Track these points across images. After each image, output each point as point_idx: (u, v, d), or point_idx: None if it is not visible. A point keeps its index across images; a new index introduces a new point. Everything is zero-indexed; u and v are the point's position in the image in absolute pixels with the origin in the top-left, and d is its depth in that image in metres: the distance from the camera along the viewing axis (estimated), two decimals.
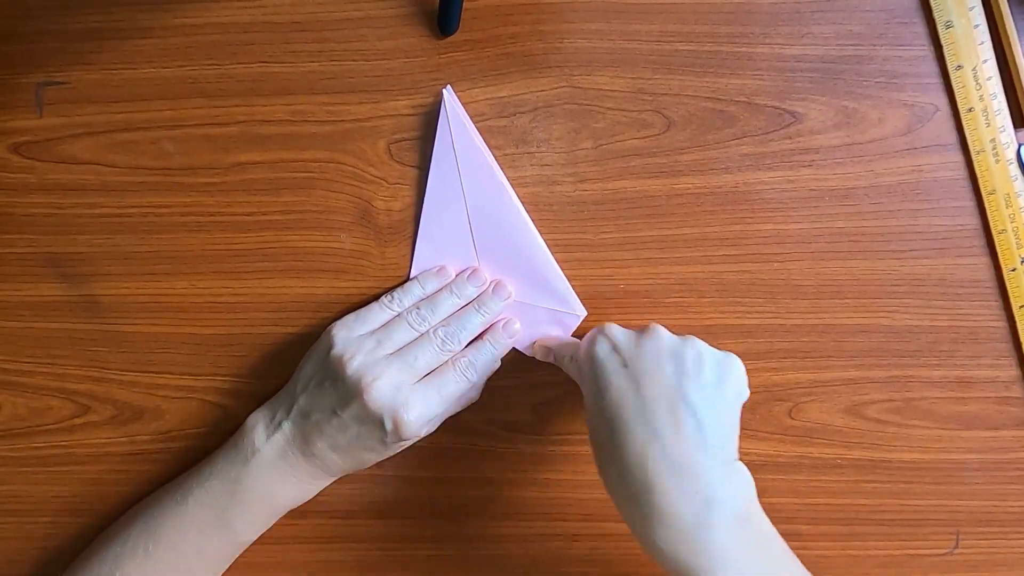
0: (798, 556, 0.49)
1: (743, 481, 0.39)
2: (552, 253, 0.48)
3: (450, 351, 0.45)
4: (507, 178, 0.47)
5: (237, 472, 0.44)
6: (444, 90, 0.46)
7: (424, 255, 0.47)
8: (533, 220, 0.48)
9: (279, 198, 0.48)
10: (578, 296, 0.48)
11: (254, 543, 0.46)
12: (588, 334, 0.44)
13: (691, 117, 0.47)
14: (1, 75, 0.48)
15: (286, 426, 0.44)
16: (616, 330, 0.43)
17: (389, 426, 0.43)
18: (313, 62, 0.47)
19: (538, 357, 0.47)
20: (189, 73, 0.47)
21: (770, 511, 0.48)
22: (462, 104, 0.47)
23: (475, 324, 0.46)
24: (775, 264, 0.48)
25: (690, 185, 0.48)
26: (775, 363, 0.48)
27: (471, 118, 0.47)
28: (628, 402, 0.39)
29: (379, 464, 0.48)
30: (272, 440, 0.44)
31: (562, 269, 0.48)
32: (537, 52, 0.47)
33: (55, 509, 0.50)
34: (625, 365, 0.40)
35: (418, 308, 0.46)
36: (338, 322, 0.45)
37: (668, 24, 0.47)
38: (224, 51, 0.47)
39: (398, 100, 0.47)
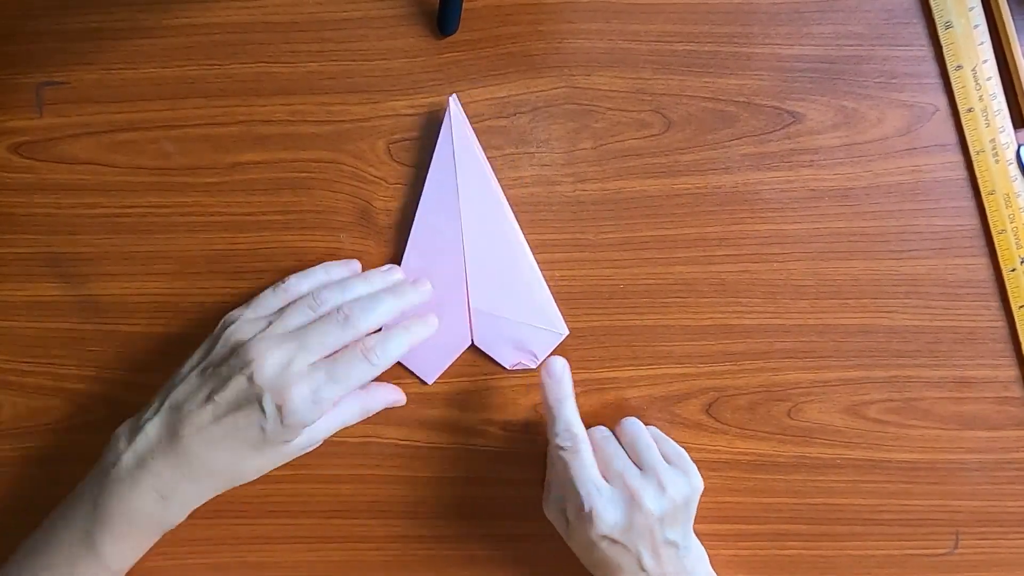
0: (798, 556, 0.49)
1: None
2: (552, 253, 0.48)
3: (354, 331, 0.40)
4: (506, 178, 0.47)
5: (98, 488, 0.40)
6: (450, 98, 0.46)
7: (413, 261, 0.47)
8: (533, 220, 0.48)
9: (279, 198, 0.48)
10: (577, 296, 0.48)
11: (251, 543, 0.46)
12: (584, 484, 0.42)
13: (691, 117, 0.47)
14: (1, 75, 0.48)
15: (150, 427, 0.40)
16: (605, 514, 0.42)
17: (270, 408, 0.38)
18: (313, 62, 0.47)
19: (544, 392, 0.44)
20: (189, 73, 0.47)
21: (770, 511, 0.49)
22: (462, 105, 0.47)
23: (387, 307, 0.42)
24: (775, 264, 0.48)
25: (690, 185, 0.48)
26: (775, 363, 0.48)
27: (470, 118, 0.47)
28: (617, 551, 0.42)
29: (379, 464, 0.48)
30: (134, 446, 0.39)
31: (562, 269, 0.48)
32: (537, 52, 0.47)
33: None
34: (614, 541, 0.42)
35: (320, 292, 0.42)
36: (232, 312, 0.42)
37: (668, 24, 0.47)
38: (224, 51, 0.47)
39: (398, 100, 0.47)
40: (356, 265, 0.46)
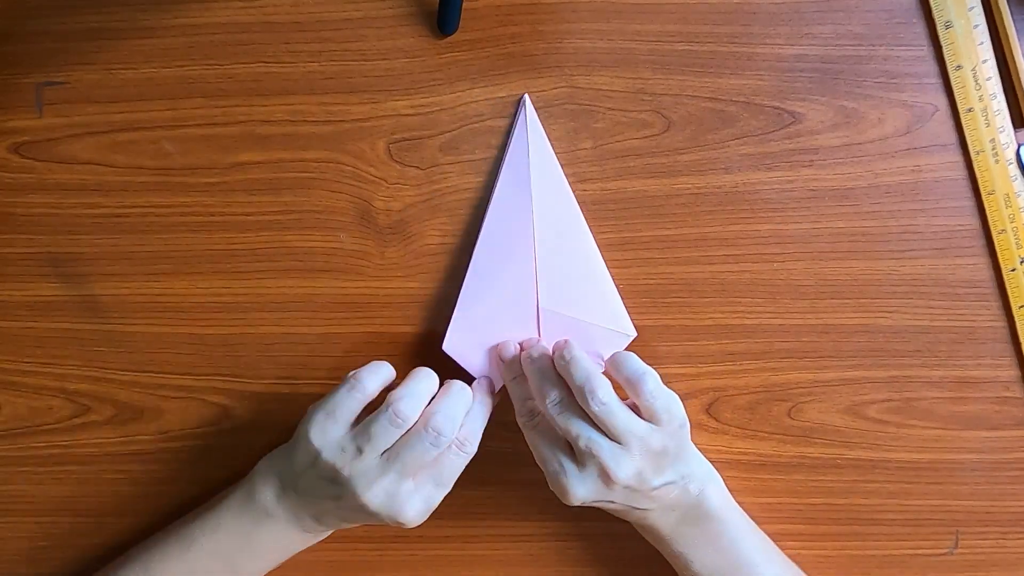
0: (798, 556, 0.49)
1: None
2: None
3: (445, 444, 0.41)
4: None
5: (248, 529, 0.44)
6: (524, 96, 0.47)
7: (482, 259, 0.47)
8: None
9: (279, 198, 0.48)
10: None
11: None
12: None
13: (691, 117, 0.47)
14: (1, 75, 0.48)
15: (294, 497, 0.43)
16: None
17: (392, 523, 0.42)
18: (313, 62, 0.47)
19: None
20: (189, 73, 0.47)
21: (770, 511, 0.49)
22: (462, 104, 0.47)
23: (463, 406, 0.43)
24: (775, 264, 0.48)
25: (690, 185, 0.48)
26: (775, 363, 0.48)
27: (471, 118, 0.47)
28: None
29: None
30: (283, 504, 0.44)
31: None
32: (537, 52, 0.47)
33: (55, 509, 0.50)
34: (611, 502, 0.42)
35: (398, 406, 0.41)
36: (311, 423, 0.42)
37: (668, 24, 0.47)
38: (224, 51, 0.47)
39: (398, 100, 0.47)
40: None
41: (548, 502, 0.49)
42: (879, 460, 0.48)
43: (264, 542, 0.44)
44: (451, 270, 0.48)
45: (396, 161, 0.48)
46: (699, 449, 0.47)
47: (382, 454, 0.41)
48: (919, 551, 0.49)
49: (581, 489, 0.41)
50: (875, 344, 0.48)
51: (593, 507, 0.43)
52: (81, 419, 0.49)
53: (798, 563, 0.48)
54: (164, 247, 0.48)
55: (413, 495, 0.42)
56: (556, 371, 0.43)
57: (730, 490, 0.47)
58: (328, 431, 0.41)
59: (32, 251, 0.48)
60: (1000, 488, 0.48)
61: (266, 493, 0.44)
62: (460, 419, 0.42)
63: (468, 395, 0.44)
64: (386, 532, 0.49)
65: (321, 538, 0.46)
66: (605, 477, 0.41)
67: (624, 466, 0.41)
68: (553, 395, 0.42)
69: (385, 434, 0.41)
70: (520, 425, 0.44)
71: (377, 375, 0.43)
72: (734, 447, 0.48)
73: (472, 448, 0.43)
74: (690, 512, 0.44)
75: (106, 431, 0.49)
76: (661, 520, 0.44)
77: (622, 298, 0.47)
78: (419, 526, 0.49)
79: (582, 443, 0.41)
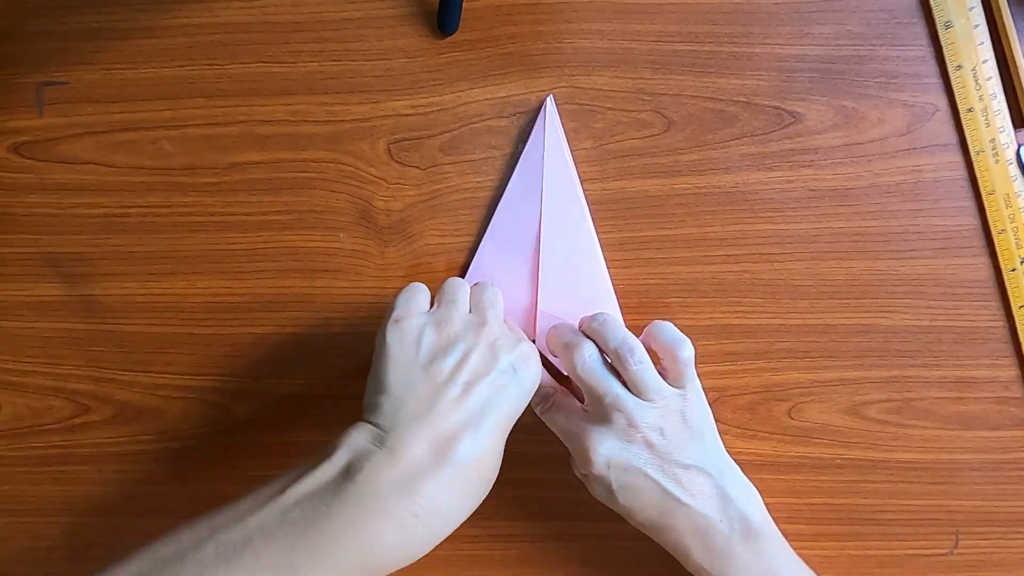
0: (798, 556, 0.49)
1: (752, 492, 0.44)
2: None
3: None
4: (506, 178, 0.47)
5: (315, 514, 0.32)
6: (547, 98, 0.47)
7: (486, 257, 0.47)
8: None
9: (279, 198, 0.48)
10: None
11: None
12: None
13: (691, 117, 0.47)
14: (1, 75, 0.48)
15: (394, 437, 0.35)
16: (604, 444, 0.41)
17: (518, 361, 0.39)
18: (313, 62, 0.47)
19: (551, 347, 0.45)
20: (189, 73, 0.47)
21: (770, 511, 0.49)
22: (462, 104, 0.47)
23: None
24: (775, 264, 0.48)
25: (690, 185, 0.48)
26: (775, 363, 0.48)
27: (470, 118, 0.47)
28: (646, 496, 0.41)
29: None
30: (374, 460, 0.33)
31: None
32: (537, 52, 0.47)
33: (55, 509, 0.50)
34: (626, 470, 0.41)
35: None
36: (389, 323, 0.38)
37: (668, 24, 0.47)
38: (224, 51, 0.47)
39: (398, 100, 0.47)
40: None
41: (548, 502, 0.49)
42: (879, 460, 0.48)
43: (339, 530, 0.32)
44: (451, 270, 0.48)
45: (396, 161, 0.48)
46: None
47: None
48: (919, 551, 0.49)
49: (605, 444, 0.41)
50: (875, 344, 0.48)
51: (600, 509, 0.43)
52: (81, 419, 0.49)
53: None
54: (164, 247, 0.48)
55: (513, 331, 0.41)
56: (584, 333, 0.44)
57: None
58: (414, 315, 0.39)
59: (32, 251, 0.48)
60: (1000, 488, 0.48)
61: (354, 445, 0.34)
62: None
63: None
64: None
65: (416, 546, 0.35)
66: (629, 427, 0.41)
67: (648, 415, 0.41)
68: (586, 351, 0.42)
69: (460, 292, 0.41)
70: (538, 412, 0.45)
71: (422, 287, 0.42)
72: (734, 447, 0.48)
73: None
74: (736, 524, 0.41)
75: (106, 431, 0.49)
76: (712, 526, 0.41)
77: (622, 298, 0.48)
78: None
79: (609, 399, 0.41)
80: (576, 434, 0.42)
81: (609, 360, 0.43)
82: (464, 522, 0.49)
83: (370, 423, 0.36)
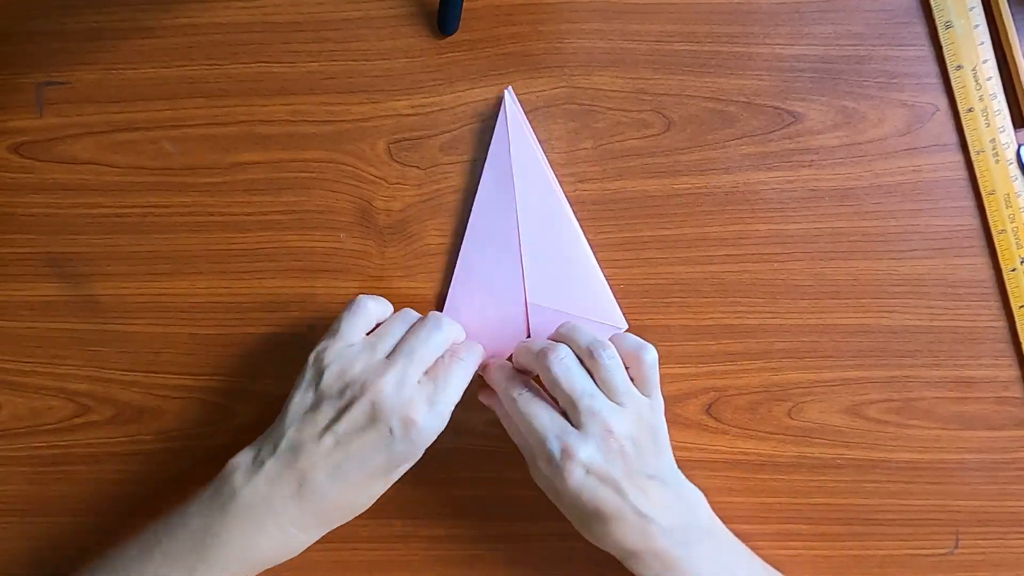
0: (798, 556, 0.49)
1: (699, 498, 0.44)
2: None
3: (447, 331, 0.43)
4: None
5: (210, 521, 0.39)
6: (505, 90, 0.47)
7: (470, 255, 0.47)
8: None
9: (279, 198, 0.48)
10: None
11: None
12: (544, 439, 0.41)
13: (691, 117, 0.47)
14: (1, 75, 0.48)
15: (270, 464, 0.40)
16: (580, 446, 0.40)
17: (397, 428, 0.39)
18: (313, 62, 0.47)
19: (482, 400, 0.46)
20: (189, 73, 0.47)
21: (770, 511, 0.49)
22: (462, 104, 0.47)
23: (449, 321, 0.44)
24: (775, 264, 0.48)
25: (690, 185, 0.48)
26: (775, 363, 0.48)
27: (470, 118, 0.47)
28: (604, 501, 0.41)
29: None
30: (253, 482, 0.39)
31: None
32: (537, 52, 0.47)
33: (55, 509, 0.50)
34: (587, 471, 0.40)
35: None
36: (316, 348, 0.42)
37: (668, 24, 0.47)
38: (224, 51, 0.47)
39: (398, 100, 0.47)
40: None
41: (548, 502, 0.49)
42: (879, 460, 0.48)
43: (227, 540, 0.39)
44: (451, 270, 0.48)
45: (396, 161, 0.48)
46: (699, 449, 0.47)
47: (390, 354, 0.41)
48: (919, 551, 0.49)
49: (584, 448, 0.40)
50: (875, 344, 0.48)
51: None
52: (81, 419, 0.49)
53: (798, 563, 0.48)
54: (164, 247, 0.48)
55: (420, 390, 0.40)
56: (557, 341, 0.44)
57: (730, 490, 0.47)
58: (337, 345, 0.42)
59: (32, 251, 0.48)
60: (1000, 488, 0.48)
61: (236, 473, 0.40)
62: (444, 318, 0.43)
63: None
64: (386, 532, 0.49)
65: (291, 548, 0.42)
66: (606, 432, 0.40)
67: (623, 420, 0.41)
68: (561, 351, 0.42)
69: (397, 332, 0.42)
70: (508, 402, 0.43)
71: (375, 300, 0.44)
72: (734, 447, 0.48)
73: (469, 358, 0.43)
74: (692, 531, 0.42)
75: (106, 431, 0.49)
76: (669, 539, 0.41)
77: (623, 298, 0.48)
78: (418, 526, 0.49)
79: (585, 400, 0.41)
80: (556, 434, 0.41)
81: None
82: (464, 522, 0.49)
83: (261, 441, 0.42)
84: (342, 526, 0.49)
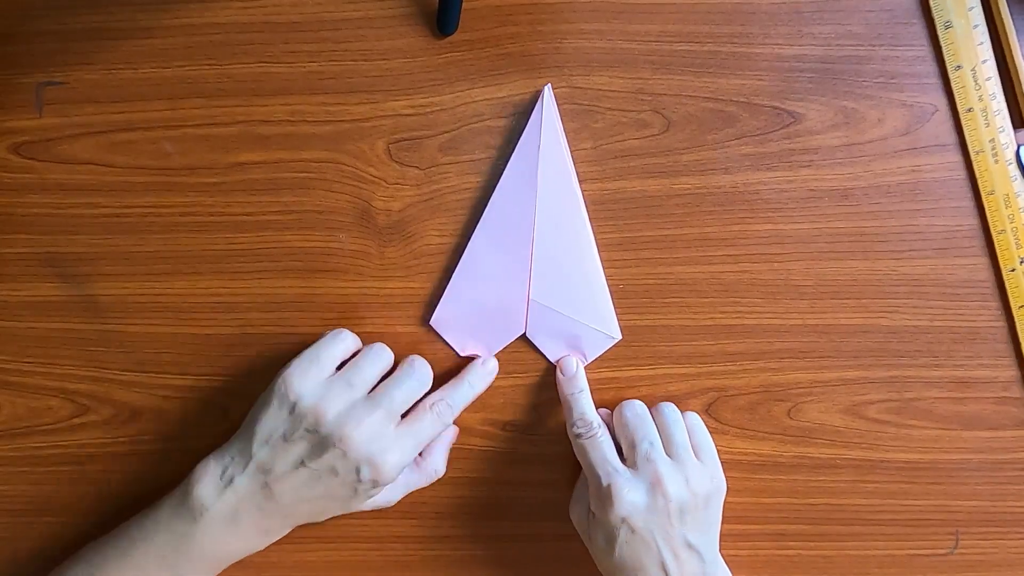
0: (798, 556, 0.49)
1: None
2: None
3: (427, 383, 0.44)
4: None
5: (184, 528, 0.42)
6: (545, 87, 0.47)
7: (480, 244, 0.47)
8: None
9: (279, 198, 0.48)
10: None
11: None
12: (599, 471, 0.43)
13: (690, 117, 0.47)
14: (1, 75, 0.48)
15: (240, 482, 0.42)
16: (627, 495, 0.42)
17: (367, 474, 0.42)
18: (313, 62, 0.47)
19: (561, 378, 0.47)
20: (189, 73, 0.47)
21: (770, 511, 0.49)
22: (462, 104, 0.47)
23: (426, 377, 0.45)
24: (774, 264, 0.48)
25: (689, 185, 0.48)
26: (774, 363, 0.48)
27: (470, 118, 0.47)
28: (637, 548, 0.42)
29: None
30: (223, 497, 0.42)
31: None
32: (537, 52, 0.47)
33: (55, 509, 0.50)
34: (633, 531, 0.42)
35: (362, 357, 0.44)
36: (289, 370, 0.43)
37: (668, 24, 0.47)
38: (224, 51, 0.47)
39: (397, 100, 0.47)
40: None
41: (548, 502, 0.49)
42: (879, 460, 0.48)
43: (201, 545, 0.42)
44: (451, 270, 0.48)
45: (396, 161, 0.48)
46: None
47: (367, 395, 0.43)
48: (919, 551, 0.49)
49: (632, 493, 0.42)
50: (875, 344, 0.48)
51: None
52: (81, 419, 0.49)
53: (798, 563, 0.48)
54: (164, 247, 0.48)
55: (395, 440, 0.42)
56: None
57: (730, 490, 0.47)
58: (309, 373, 0.43)
59: (32, 251, 0.48)
60: (1000, 488, 0.48)
61: (204, 486, 0.42)
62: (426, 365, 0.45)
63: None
64: (386, 532, 0.49)
65: (261, 545, 0.45)
66: (657, 484, 0.42)
67: (676, 479, 0.43)
68: (638, 404, 0.46)
69: (372, 367, 0.43)
70: (573, 436, 0.45)
71: (352, 335, 0.45)
72: (734, 447, 0.48)
73: (448, 419, 0.44)
74: None
75: (106, 431, 0.49)
76: None
77: (622, 298, 0.48)
78: (419, 526, 0.49)
79: (645, 445, 0.43)
80: (608, 472, 0.43)
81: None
82: (464, 522, 0.49)
83: (227, 455, 0.43)
84: (342, 526, 0.49)
